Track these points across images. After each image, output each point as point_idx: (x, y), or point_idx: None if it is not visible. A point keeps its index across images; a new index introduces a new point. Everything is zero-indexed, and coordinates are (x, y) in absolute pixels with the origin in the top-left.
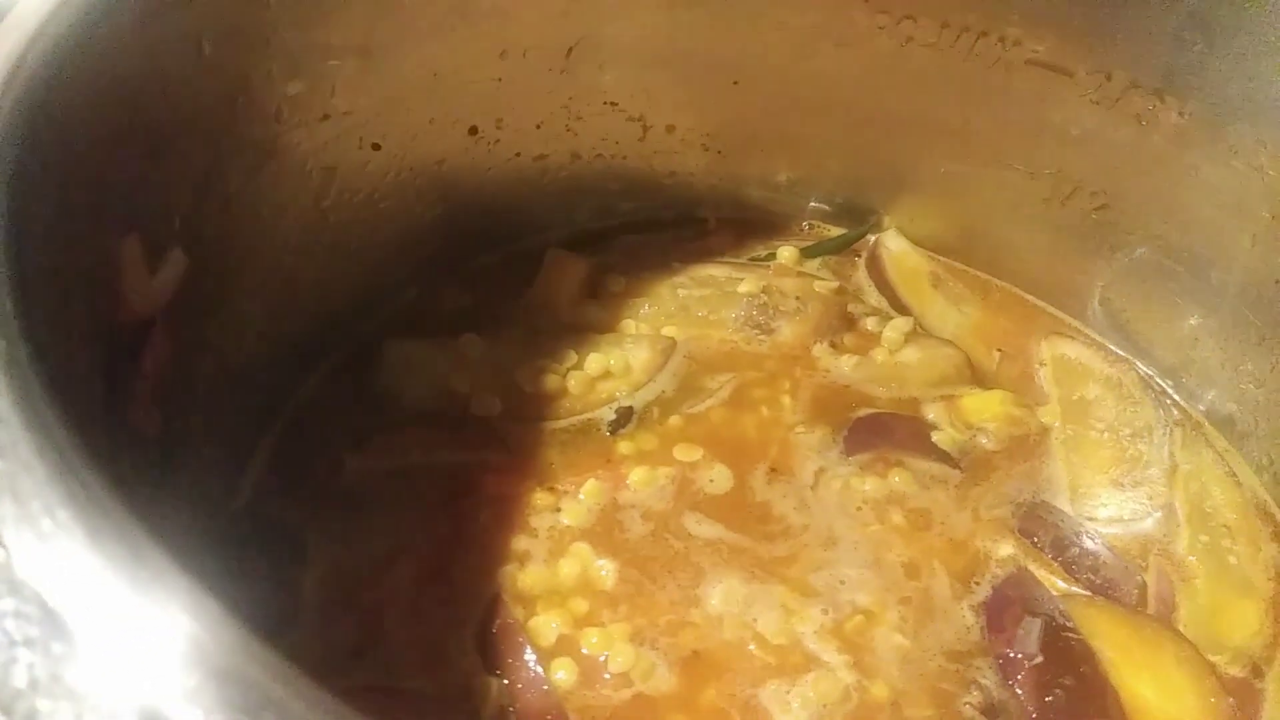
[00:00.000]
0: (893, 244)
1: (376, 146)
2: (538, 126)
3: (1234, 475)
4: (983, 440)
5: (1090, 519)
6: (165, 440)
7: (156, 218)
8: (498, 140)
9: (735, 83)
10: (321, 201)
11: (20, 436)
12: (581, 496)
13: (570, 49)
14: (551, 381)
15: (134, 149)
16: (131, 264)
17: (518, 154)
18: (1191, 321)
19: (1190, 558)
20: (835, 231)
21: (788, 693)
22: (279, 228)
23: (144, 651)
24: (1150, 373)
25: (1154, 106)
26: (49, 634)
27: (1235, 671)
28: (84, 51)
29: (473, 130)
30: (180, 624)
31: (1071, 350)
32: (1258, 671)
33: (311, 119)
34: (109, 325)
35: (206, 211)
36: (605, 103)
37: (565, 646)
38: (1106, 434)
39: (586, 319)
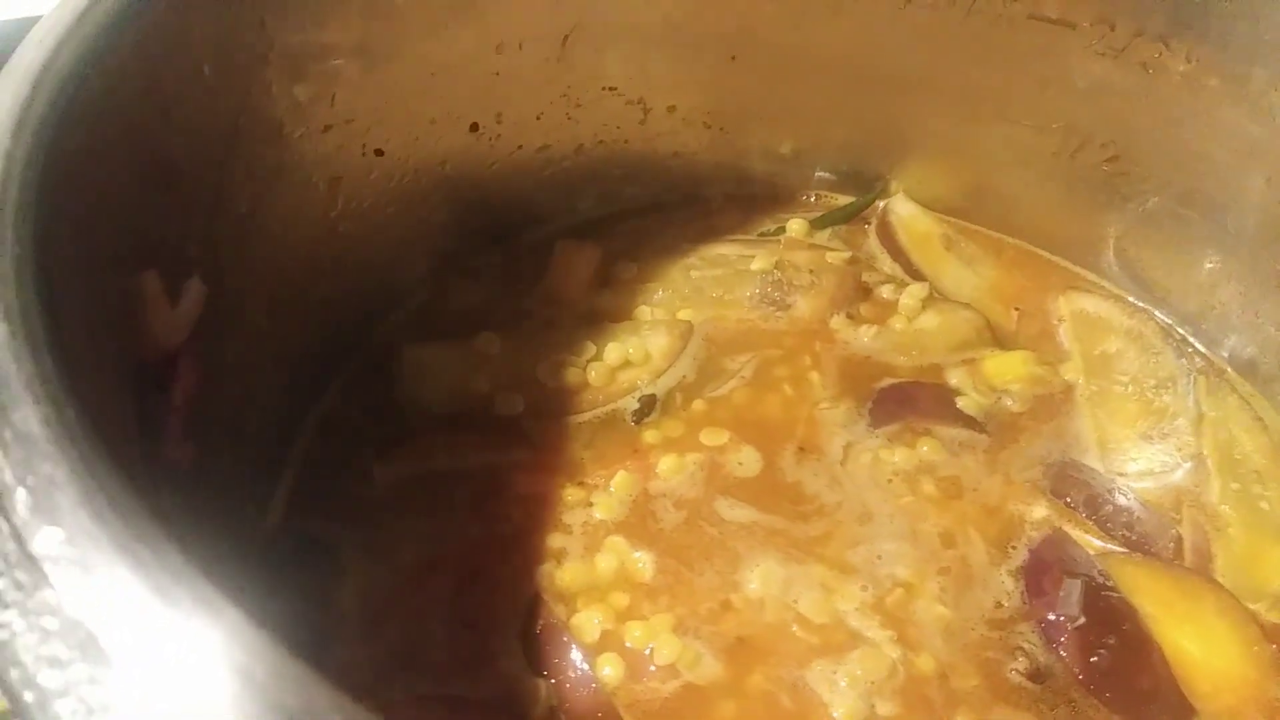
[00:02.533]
0: (902, 209)
1: (380, 152)
2: (538, 118)
3: (1260, 420)
4: (1008, 402)
5: (1121, 475)
6: (196, 467)
7: (173, 248)
8: (499, 135)
9: (733, 58)
10: (329, 213)
11: (64, 475)
12: (612, 489)
13: (566, 37)
14: (572, 375)
15: (145, 181)
16: (153, 298)
17: (520, 147)
18: (1208, 267)
19: (1223, 506)
20: (843, 200)
21: (834, 672)
22: (289, 243)
23: (190, 679)
24: (1170, 321)
25: (1160, 54)
26: (93, 667)
27: (1275, 618)
28: (88, 88)
29: (474, 127)
30: (225, 650)
31: (1090, 304)
32: None
33: (314, 130)
34: (136, 362)
35: (219, 236)
36: (604, 88)
37: (609, 642)
38: (1131, 387)
39: (601, 308)
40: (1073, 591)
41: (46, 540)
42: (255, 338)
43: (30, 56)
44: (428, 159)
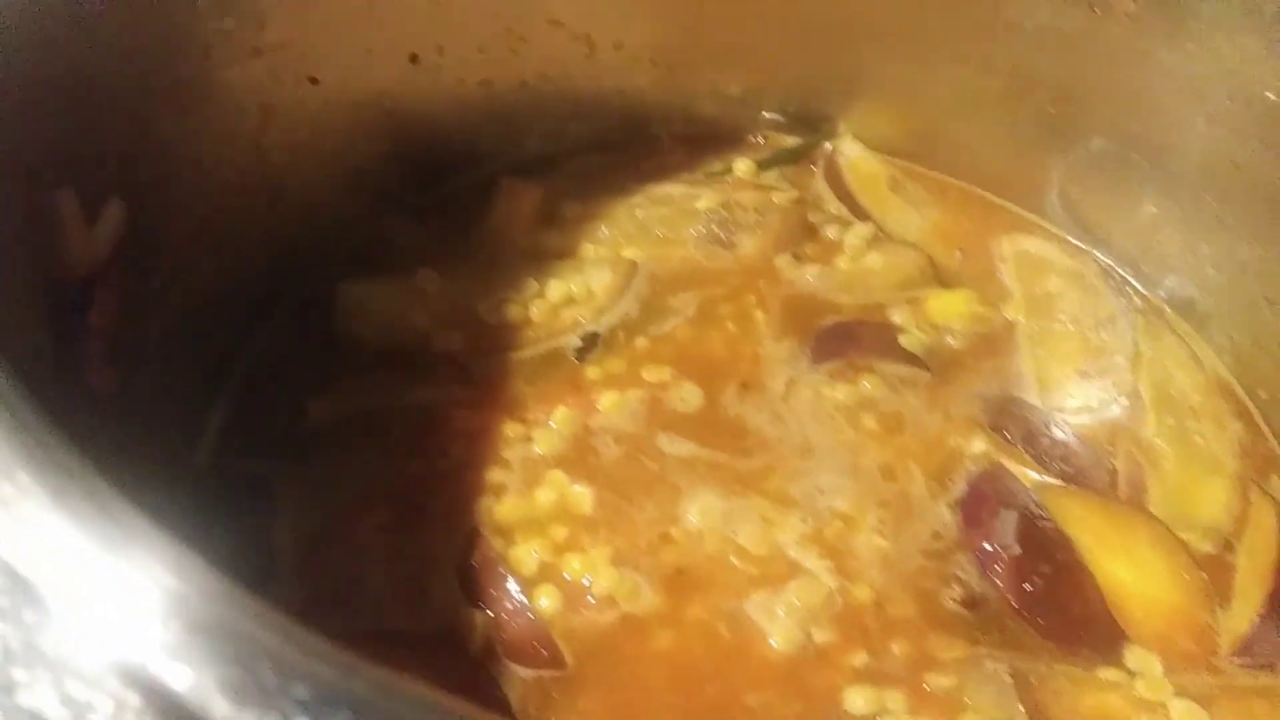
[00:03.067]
0: (849, 150)
1: (314, 81)
2: (481, 51)
3: (1196, 358)
4: (949, 340)
5: (1059, 410)
6: (121, 397)
7: (91, 167)
8: (440, 67)
9: None
10: (262, 141)
11: None
12: (553, 425)
13: None
14: (514, 312)
15: (61, 97)
16: (69, 217)
17: (462, 81)
18: (1150, 209)
19: (1158, 441)
20: (790, 141)
21: (772, 602)
22: (219, 172)
23: (123, 611)
24: (1111, 263)
25: None
26: (20, 602)
27: (1207, 548)
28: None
29: (413, 58)
30: (159, 580)
31: (1032, 245)
32: (1228, 546)
33: (243, 55)
34: (53, 283)
35: (142, 158)
36: (549, 21)
37: (547, 574)
38: (1071, 326)
39: (544, 246)
40: (1008, 522)
41: None
42: (184, 267)
43: None
44: (365, 90)
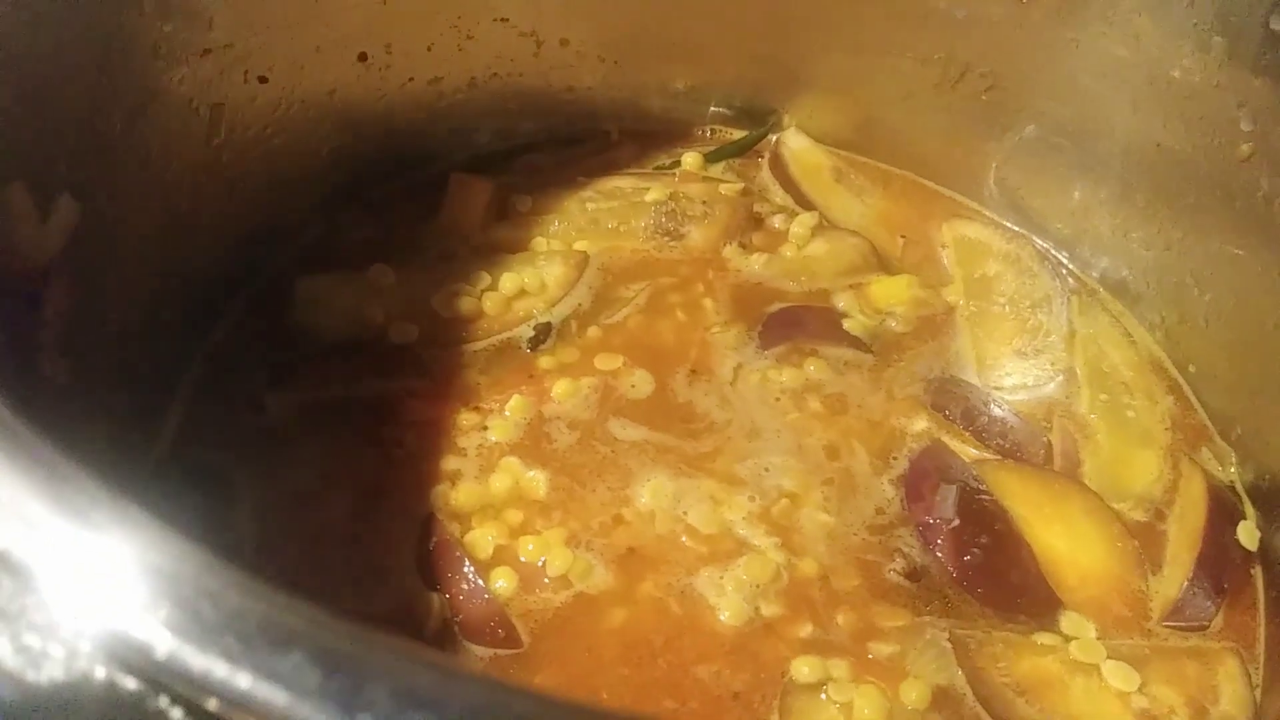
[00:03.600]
0: (793, 142)
1: (263, 79)
2: (429, 49)
3: (1129, 336)
4: (892, 324)
5: (997, 388)
6: (78, 390)
7: (41, 164)
8: (389, 65)
9: None
10: (213, 140)
11: None
12: (507, 413)
13: None
14: (467, 304)
15: (8, 94)
16: (20, 211)
17: (411, 79)
18: (1081, 193)
19: (1091, 415)
20: (737, 134)
21: (721, 578)
22: (170, 169)
23: (102, 581)
24: (1046, 246)
25: None
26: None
27: (1139, 516)
28: None
29: (362, 56)
30: (137, 550)
31: (971, 231)
32: (1159, 515)
33: (192, 54)
34: (6, 275)
35: (93, 155)
36: (495, 19)
37: (503, 556)
38: (1008, 307)
39: (497, 240)
40: (948, 496)
41: None
42: (139, 262)
43: None
44: (315, 88)
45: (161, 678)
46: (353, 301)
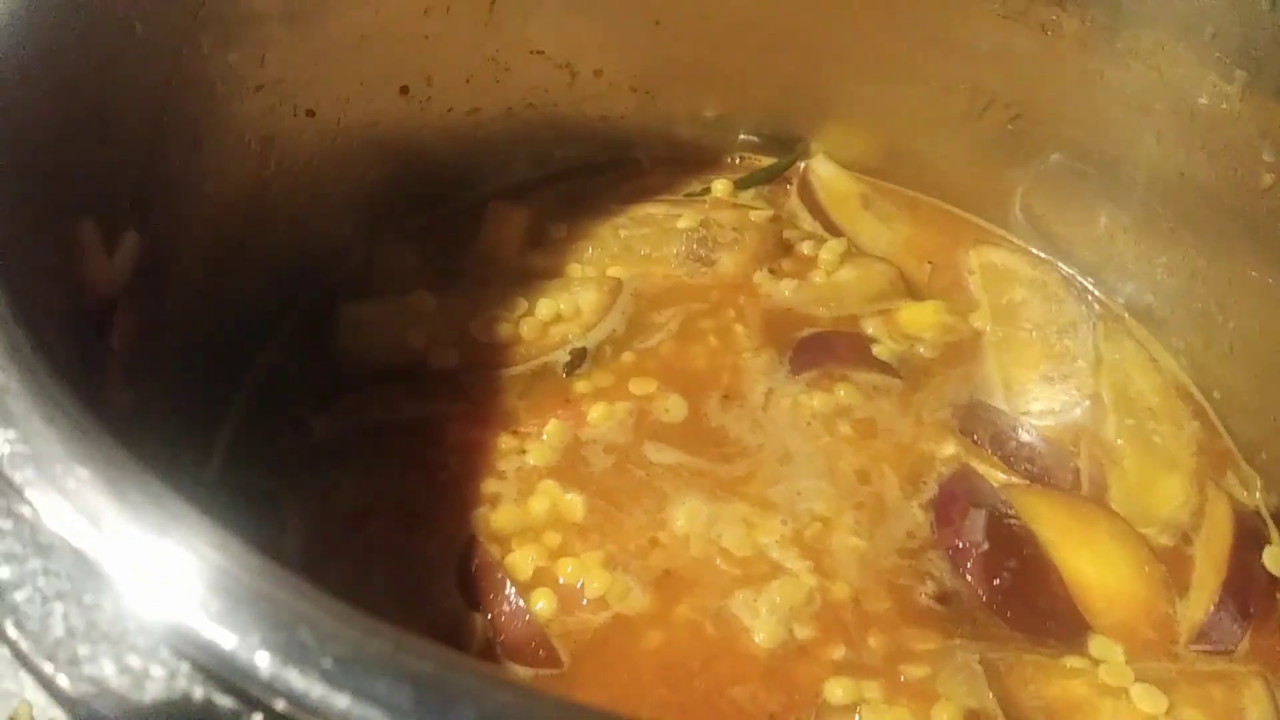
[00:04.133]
0: (822, 169)
1: (310, 113)
2: (467, 81)
3: (1154, 361)
4: (920, 349)
5: (1025, 413)
6: (137, 418)
7: (109, 200)
8: (429, 98)
9: (657, 22)
10: (263, 172)
11: (31, 407)
12: (544, 437)
13: (493, 1)
14: (504, 330)
15: (79, 133)
16: (90, 246)
17: (450, 110)
18: (1106, 220)
19: (1118, 441)
20: (765, 162)
21: (755, 600)
22: (224, 200)
23: (174, 587)
24: (1072, 272)
25: (1057, 16)
26: (81, 585)
27: (1165, 541)
28: (20, 42)
29: (404, 90)
30: (206, 557)
31: (997, 257)
32: (1186, 539)
33: (246, 90)
34: (77, 309)
35: (153, 190)
36: (532, 51)
37: (542, 578)
38: (1035, 333)
39: (532, 267)
40: (978, 520)
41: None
42: (194, 292)
43: None
44: (359, 120)
45: (261, 697)
46: (395, 327)
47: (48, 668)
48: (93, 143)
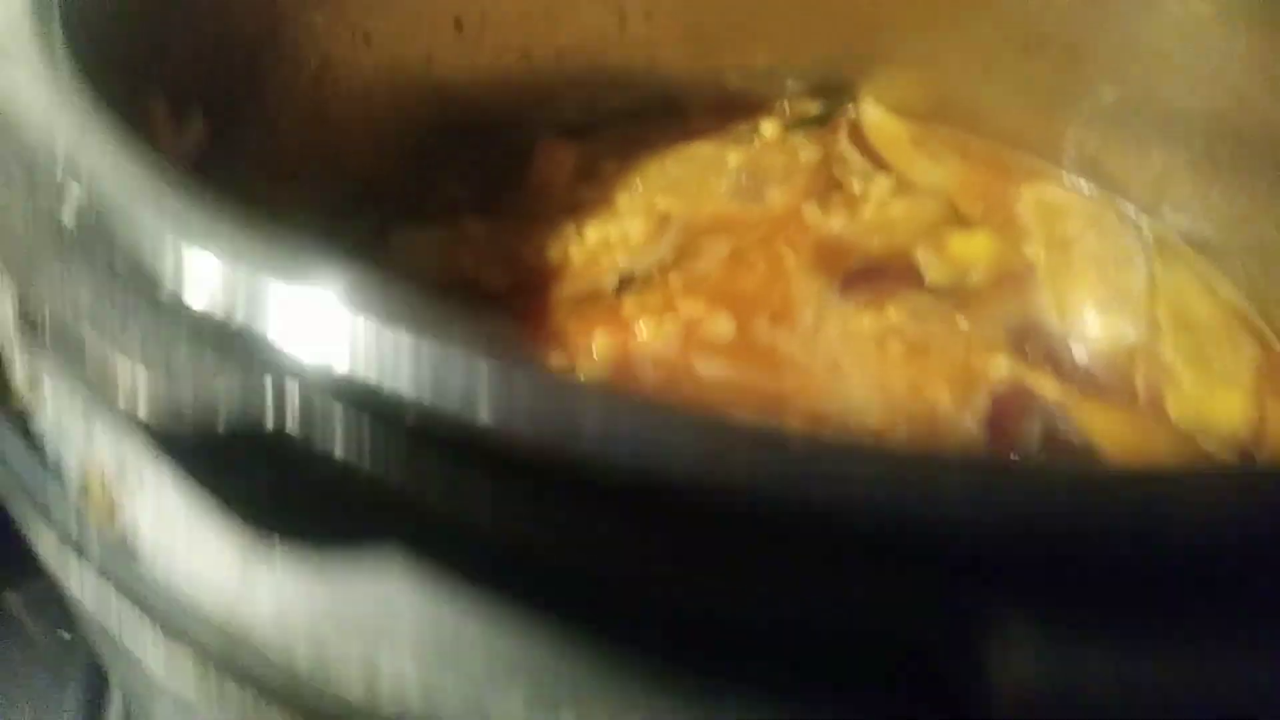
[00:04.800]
0: (871, 113)
1: (367, 39)
2: (520, 20)
3: (1212, 289)
4: (973, 277)
5: (1079, 335)
6: None
7: (176, 82)
8: (482, 35)
9: None
10: (319, 92)
11: None
12: (594, 354)
13: None
14: (554, 254)
15: (152, 11)
16: (160, 119)
17: (503, 49)
18: (1161, 155)
19: (1176, 360)
20: (815, 108)
21: None
22: (281, 115)
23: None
24: (1127, 206)
25: None
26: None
27: (1226, 456)
28: None
29: (458, 24)
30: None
31: (1051, 193)
32: (1247, 455)
33: (307, 5)
34: None
35: (218, 85)
36: None
37: None
38: (1090, 263)
39: (582, 200)
40: (1032, 433)
41: None
42: (248, 201)
43: None
44: (413, 53)
45: None
46: (446, 249)
47: None
48: (163, 24)
